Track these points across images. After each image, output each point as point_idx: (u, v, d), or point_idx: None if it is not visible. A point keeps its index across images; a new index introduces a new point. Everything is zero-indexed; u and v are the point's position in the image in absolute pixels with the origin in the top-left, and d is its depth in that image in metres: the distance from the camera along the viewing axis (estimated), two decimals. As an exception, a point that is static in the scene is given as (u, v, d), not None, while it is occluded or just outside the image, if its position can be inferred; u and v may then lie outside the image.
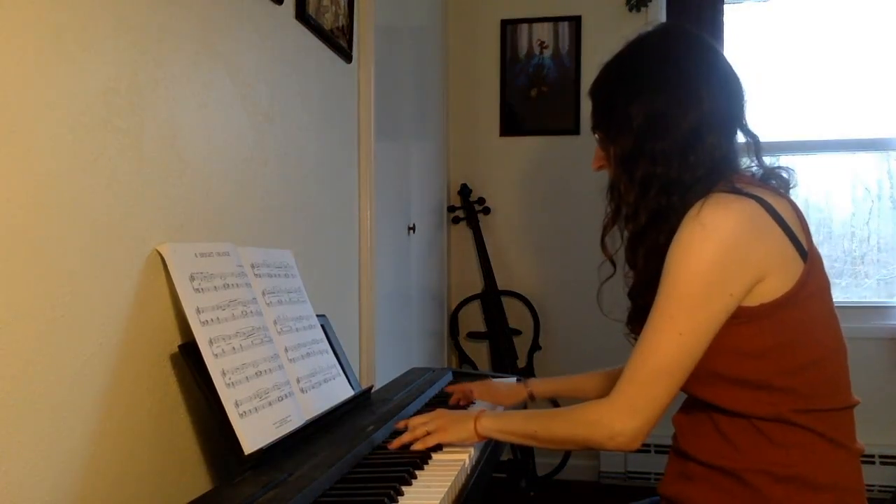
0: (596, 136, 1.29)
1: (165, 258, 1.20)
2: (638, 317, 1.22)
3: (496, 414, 1.35)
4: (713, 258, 1.08)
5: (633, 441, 1.14)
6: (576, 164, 3.45)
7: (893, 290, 3.26)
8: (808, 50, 3.27)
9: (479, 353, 3.55)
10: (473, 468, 1.28)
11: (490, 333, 3.49)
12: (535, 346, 3.47)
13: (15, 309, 0.94)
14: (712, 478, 1.15)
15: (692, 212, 1.10)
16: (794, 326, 1.12)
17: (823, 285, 1.16)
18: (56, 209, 1.01)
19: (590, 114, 1.29)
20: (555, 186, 3.50)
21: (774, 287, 1.10)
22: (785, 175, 1.23)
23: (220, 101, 1.45)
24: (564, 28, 3.46)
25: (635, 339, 1.20)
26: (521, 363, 3.43)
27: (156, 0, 1.24)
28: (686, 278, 1.09)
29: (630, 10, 3.35)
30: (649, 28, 1.27)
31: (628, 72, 1.23)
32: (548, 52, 3.47)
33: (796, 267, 1.11)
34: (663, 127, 1.16)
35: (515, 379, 1.91)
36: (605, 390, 1.57)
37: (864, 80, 3.25)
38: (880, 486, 2.86)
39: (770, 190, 1.17)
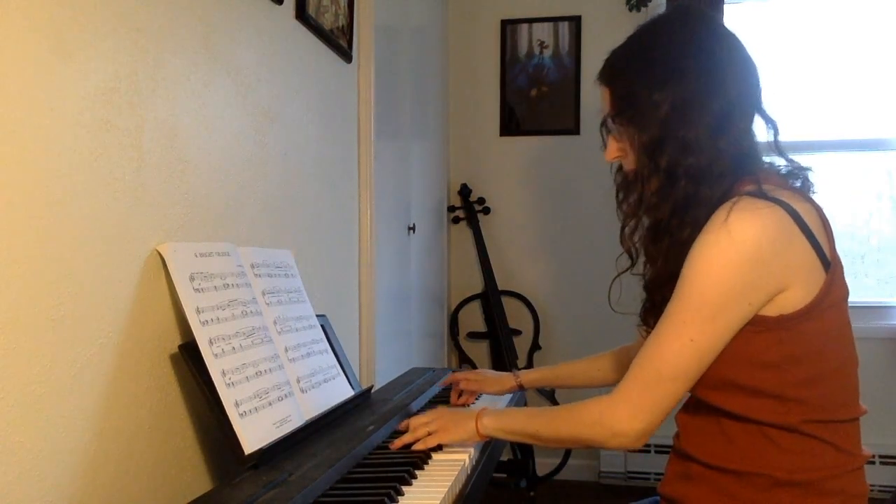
0: (614, 124, 1.21)
1: (165, 258, 1.20)
2: (655, 311, 1.19)
3: (497, 412, 1.32)
4: (736, 268, 1.04)
5: (636, 442, 1.13)
6: (576, 164, 3.45)
7: (893, 290, 3.26)
8: (808, 49, 3.27)
9: (479, 353, 3.55)
10: (473, 468, 1.28)
11: (490, 333, 3.49)
12: (535, 346, 3.47)
13: (15, 309, 0.94)
14: (714, 479, 1.13)
15: (719, 215, 1.06)
16: (811, 338, 1.09)
17: (842, 295, 1.12)
18: (56, 209, 1.01)
19: (606, 101, 1.22)
20: (555, 186, 3.50)
21: (795, 298, 1.07)
22: (810, 176, 1.18)
23: (220, 101, 1.45)
24: (564, 28, 3.46)
25: (648, 333, 1.17)
26: (522, 363, 3.43)
27: (156, 0, 1.24)
28: (705, 286, 1.06)
29: (630, 10, 3.35)
30: (665, 11, 1.22)
31: (649, 57, 1.16)
32: (548, 52, 3.47)
33: (818, 277, 1.08)
34: (692, 114, 1.11)
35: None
36: (593, 378, 1.61)
37: (864, 80, 3.24)
38: (880, 486, 2.87)
39: (796, 193, 1.13)
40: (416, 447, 1.30)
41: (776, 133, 1.18)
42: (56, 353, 1.01)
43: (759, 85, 1.17)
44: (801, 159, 1.19)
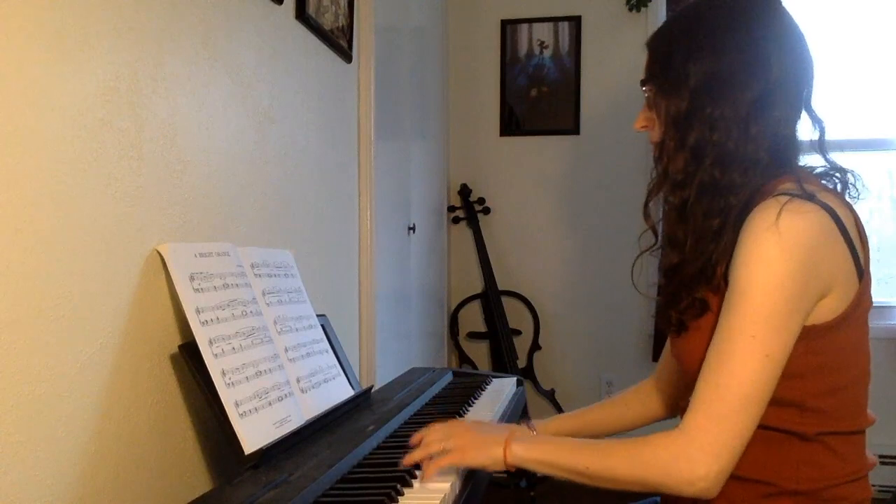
0: (644, 91, 1.18)
1: (165, 258, 1.20)
2: (676, 308, 1.12)
3: (533, 440, 1.16)
4: (794, 271, 0.99)
5: (716, 486, 1.00)
6: (576, 164, 3.46)
7: (893, 290, 3.26)
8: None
9: (479, 353, 3.55)
10: (473, 468, 1.28)
11: (490, 333, 3.49)
12: (535, 346, 3.47)
13: (15, 309, 0.94)
14: None
15: (767, 216, 1.00)
16: (837, 349, 1.07)
17: (868, 307, 1.10)
18: (56, 209, 1.01)
19: (644, 66, 1.18)
20: (555, 186, 3.50)
21: (831, 307, 1.04)
22: (850, 179, 1.13)
23: (220, 101, 1.45)
24: (564, 28, 3.46)
25: (670, 329, 1.13)
26: (522, 363, 3.44)
27: (156, 0, 1.24)
28: (769, 293, 0.99)
29: (630, 10, 3.35)
30: None
31: (694, 27, 1.12)
32: (548, 52, 3.47)
33: (853, 286, 1.06)
34: (724, 91, 1.07)
35: (516, 380, 1.90)
36: (626, 421, 1.40)
37: (864, 80, 3.25)
38: (880, 486, 2.86)
39: (836, 196, 1.09)
40: (428, 469, 1.11)
41: (822, 133, 1.13)
42: (56, 353, 1.01)
43: (809, 79, 1.12)
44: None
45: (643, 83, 1.18)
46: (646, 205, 1.19)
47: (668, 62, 1.13)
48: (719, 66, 1.08)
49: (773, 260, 1.00)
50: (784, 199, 1.02)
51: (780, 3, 1.13)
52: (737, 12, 1.11)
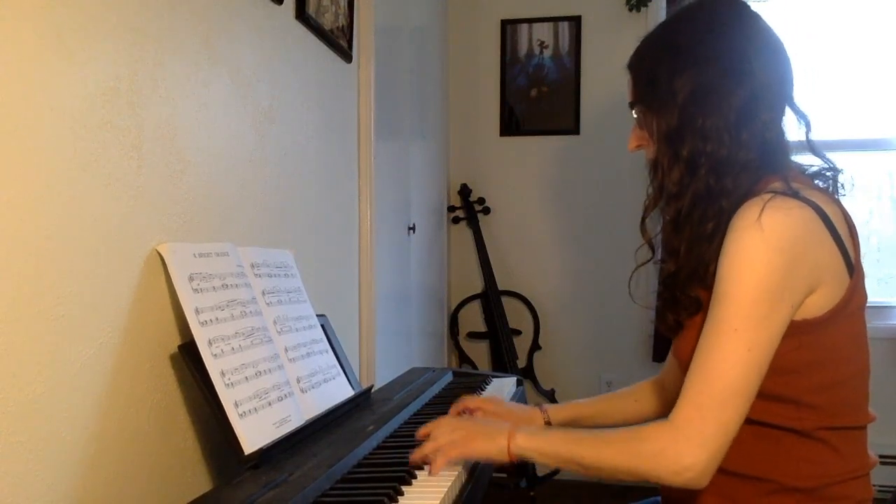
0: (633, 112, 1.20)
1: (165, 258, 1.20)
2: (672, 308, 1.14)
3: (534, 432, 1.19)
4: (776, 265, 1.01)
5: (703, 476, 1.02)
6: (576, 164, 3.46)
7: (893, 290, 3.26)
8: (807, 50, 3.27)
9: (479, 353, 3.55)
10: (473, 468, 1.28)
11: (490, 333, 3.49)
12: (535, 346, 3.47)
13: (15, 309, 0.94)
14: (717, 481, 1.07)
15: (751, 213, 1.02)
16: (831, 344, 1.07)
17: (863, 302, 1.10)
18: (56, 209, 1.01)
19: (629, 88, 1.20)
20: (555, 186, 3.50)
21: (820, 302, 1.05)
22: (839, 178, 1.14)
23: (220, 101, 1.45)
24: (564, 28, 3.46)
25: (668, 330, 1.14)
26: (522, 363, 3.44)
27: (156, 0, 1.24)
28: (750, 286, 1.01)
29: (630, 10, 3.35)
30: None
31: (673, 43, 1.14)
32: (548, 52, 3.47)
33: (843, 281, 1.06)
34: (713, 101, 1.09)
35: (516, 380, 1.91)
36: (629, 411, 1.43)
37: (864, 80, 3.25)
38: (880, 486, 2.86)
39: (824, 193, 1.10)
40: (437, 461, 1.14)
41: (808, 129, 1.14)
42: (56, 353, 1.01)
43: (789, 78, 1.14)
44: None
45: (631, 105, 1.20)
46: (643, 220, 1.21)
47: (653, 81, 1.15)
48: (704, 77, 1.10)
49: (755, 255, 1.02)
50: (767, 196, 1.04)
51: (751, 8, 1.15)
52: (712, 23, 1.13)
